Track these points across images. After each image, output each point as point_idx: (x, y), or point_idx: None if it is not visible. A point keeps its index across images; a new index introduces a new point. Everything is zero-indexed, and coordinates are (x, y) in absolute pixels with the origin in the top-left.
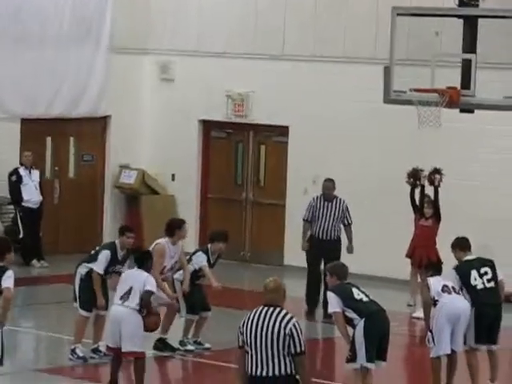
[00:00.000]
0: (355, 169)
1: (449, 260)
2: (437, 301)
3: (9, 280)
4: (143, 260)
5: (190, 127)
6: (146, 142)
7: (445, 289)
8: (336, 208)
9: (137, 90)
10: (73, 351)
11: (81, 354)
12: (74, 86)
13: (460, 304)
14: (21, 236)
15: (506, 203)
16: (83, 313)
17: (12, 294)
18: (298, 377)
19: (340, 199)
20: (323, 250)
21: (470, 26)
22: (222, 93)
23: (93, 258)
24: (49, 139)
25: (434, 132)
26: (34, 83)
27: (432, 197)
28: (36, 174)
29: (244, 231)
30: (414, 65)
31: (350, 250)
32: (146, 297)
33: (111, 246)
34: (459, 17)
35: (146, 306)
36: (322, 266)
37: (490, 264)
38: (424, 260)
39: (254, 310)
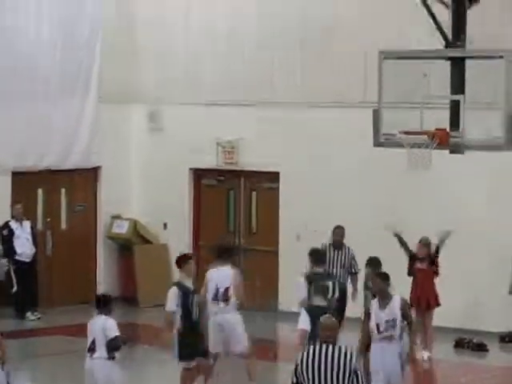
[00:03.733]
0: (347, 214)
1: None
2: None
3: None
4: (103, 304)
5: (181, 175)
6: (137, 191)
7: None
8: (344, 256)
9: (126, 139)
10: None
11: None
12: (64, 137)
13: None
14: (14, 289)
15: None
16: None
17: None
18: None
19: (348, 247)
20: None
21: (458, 67)
22: (211, 140)
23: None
24: (40, 191)
25: (425, 174)
26: (24, 136)
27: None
28: (27, 225)
29: None
30: (402, 107)
31: (354, 297)
32: (113, 345)
33: (176, 283)
34: (447, 58)
35: (119, 348)
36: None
37: None
38: (423, 304)
39: (312, 348)
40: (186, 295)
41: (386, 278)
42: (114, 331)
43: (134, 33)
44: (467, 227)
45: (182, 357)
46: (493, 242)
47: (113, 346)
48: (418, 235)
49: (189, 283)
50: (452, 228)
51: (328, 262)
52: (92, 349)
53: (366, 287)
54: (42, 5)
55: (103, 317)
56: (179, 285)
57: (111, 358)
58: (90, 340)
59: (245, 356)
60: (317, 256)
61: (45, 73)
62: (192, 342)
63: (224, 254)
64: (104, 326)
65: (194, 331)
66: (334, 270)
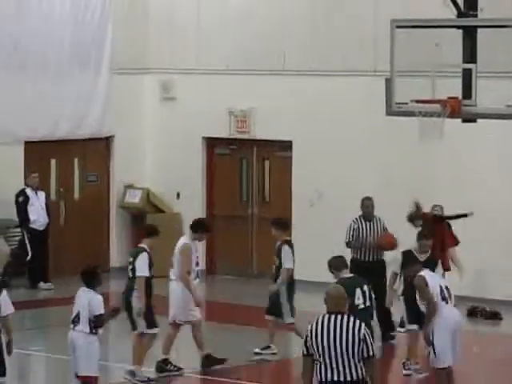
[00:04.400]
0: (359, 183)
1: None
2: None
3: None
4: (90, 278)
5: (194, 145)
6: (150, 161)
7: (443, 294)
8: (377, 227)
9: (139, 109)
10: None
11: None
12: (77, 107)
13: (457, 316)
14: (29, 258)
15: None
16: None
17: None
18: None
19: (379, 218)
20: (368, 273)
21: (470, 36)
22: (224, 110)
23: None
24: (53, 161)
25: (438, 143)
26: (37, 107)
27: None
28: (42, 195)
29: (250, 247)
30: (414, 76)
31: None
32: (96, 323)
33: (144, 250)
34: (458, 27)
35: (101, 327)
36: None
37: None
38: None
39: (320, 318)
40: (151, 263)
41: None
42: (98, 309)
43: (145, 3)
44: (481, 197)
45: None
46: (507, 212)
47: (95, 324)
48: (430, 204)
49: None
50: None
51: (360, 237)
52: (75, 321)
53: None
54: None
55: (92, 292)
56: (148, 252)
57: (93, 333)
58: (75, 312)
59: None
60: (337, 263)
61: (58, 44)
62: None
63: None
64: (90, 301)
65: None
66: (363, 242)
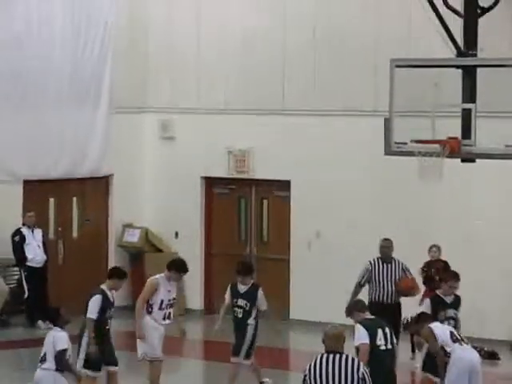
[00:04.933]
0: (358, 223)
1: None
2: (448, 353)
3: None
4: (53, 318)
5: (193, 184)
6: (149, 200)
7: (454, 337)
8: (396, 270)
9: (138, 148)
10: None
11: None
12: (76, 146)
13: (473, 357)
14: (26, 296)
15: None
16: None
17: None
18: None
19: (398, 260)
20: (386, 315)
21: (469, 76)
22: (223, 149)
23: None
24: (51, 200)
25: (437, 183)
26: (36, 145)
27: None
28: (39, 233)
29: None
30: (414, 116)
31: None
32: (58, 358)
33: (101, 291)
34: (458, 67)
35: (65, 367)
36: None
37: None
38: None
39: (319, 358)
40: (107, 305)
41: None
42: (61, 344)
43: (145, 42)
44: (479, 237)
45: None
46: (504, 252)
47: (57, 359)
48: (429, 244)
49: (111, 295)
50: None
51: (378, 279)
52: (43, 360)
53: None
54: (54, 13)
55: (57, 329)
56: (103, 293)
57: (59, 370)
58: (43, 351)
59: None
60: (360, 306)
61: (56, 81)
62: (102, 350)
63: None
64: (54, 338)
65: (106, 340)
66: (387, 286)
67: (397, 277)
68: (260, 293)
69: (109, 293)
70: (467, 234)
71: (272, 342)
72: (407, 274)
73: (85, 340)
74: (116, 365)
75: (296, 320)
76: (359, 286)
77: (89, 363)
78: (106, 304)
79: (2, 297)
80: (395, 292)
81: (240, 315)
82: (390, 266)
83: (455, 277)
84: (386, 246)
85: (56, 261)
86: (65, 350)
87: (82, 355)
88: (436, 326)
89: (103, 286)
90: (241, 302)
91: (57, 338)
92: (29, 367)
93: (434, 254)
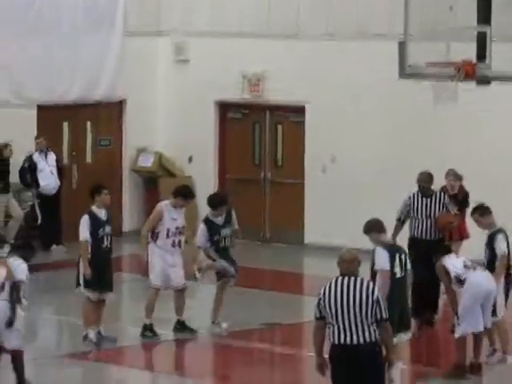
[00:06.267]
0: (372, 147)
1: None
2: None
3: None
4: (19, 249)
5: (207, 108)
6: (163, 124)
7: (466, 265)
8: (436, 204)
9: (152, 72)
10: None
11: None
12: (90, 71)
13: (486, 281)
14: (39, 222)
15: None
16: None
17: None
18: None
19: (440, 193)
20: (426, 252)
21: None
22: (237, 73)
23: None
24: (65, 124)
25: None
26: (50, 70)
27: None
28: (52, 157)
29: (263, 211)
30: (428, 39)
31: None
32: (13, 289)
33: (88, 212)
34: None
35: (15, 299)
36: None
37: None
38: None
39: (334, 281)
40: (96, 224)
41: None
42: (19, 275)
43: None
44: (493, 161)
45: (87, 284)
46: None
47: (12, 290)
48: (445, 170)
49: (101, 213)
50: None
51: (418, 214)
52: (1, 289)
53: None
54: None
55: (16, 263)
56: (90, 214)
57: (13, 300)
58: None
59: None
60: (379, 225)
61: (71, 6)
62: (99, 272)
63: None
64: (15, 271)
65: (103, 262)
66: (427, 221)
67: (437, 212)
68: (233, 213)
69: (98, 212)
70: (480, 159)
71: (286, 266)
72: (449, 209)
73: (81, 263)
74: (110, 290)
75: (311, 244)
76: (399, 222)
77: (88, 284)
78: (96, 223)
79: (17, 221)
80: (436, 227)
81: (228, 243)
82: (429, 200)
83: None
84: (424, 180)
85: (70, 185)
86: (22, 282)
87: (81, 278)
88: (449, 258)
89: (93, 207)
90: (224, 232)
91: (19, 269)
92: (43, 291)
93: (451, 180)
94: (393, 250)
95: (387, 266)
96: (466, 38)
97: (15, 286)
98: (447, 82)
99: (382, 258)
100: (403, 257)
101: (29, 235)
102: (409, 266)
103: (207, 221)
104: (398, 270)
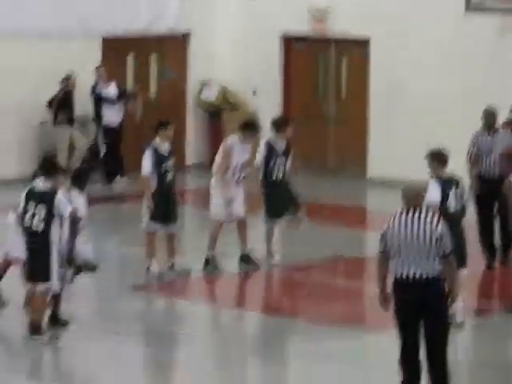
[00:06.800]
0: (438, 80)
1: None
2: None
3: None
4: (76, 180)
5: (271, 42)
6: (227, 57)
7: None
8: (501, 141)
9: (217, 5)
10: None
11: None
12: (154, 2)
13: None
14: (102, 154)
15: None
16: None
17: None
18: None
19: (505, 131)
20: (492, 191)
21: None
22: (303, 6)
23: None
24: (129, 57)
25: None
26: (114, 1)
27: None
28: (115, 89)
29: (326, 146)
30: None
31: None
32: (72, 221)
33: (151, 146)
34: None
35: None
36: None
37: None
38: None
39: (398, 214)
40: (159, 159)
41: None
42: (78, 207)
43: None
44: None
45: (152, 217)
46: None
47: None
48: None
49: (164, 147)
50: None
51: (482, 151)
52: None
53: None
54: None
55: (76, 191)
56: (153, 148)
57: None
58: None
59: None
60: (443, 158)
61: None
62: (162, 206)
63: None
64: (72, 200)
65: (167, 195)
66: (491, 158)
67: (497, 147)
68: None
69: (161, 146)
70: None
71: (350, 201)
72: None
73: (144, 198)
74: (175, 223)
75: (374, 178)
76: (470, 161)
77: (153, 217)
78: (159, 158)
79: (81, 153)
80: (500, 165)
81: (281, 174)
82: (493, 136)
83: None
84: (489, 115)
85: (133, 118)
86: None
87: (145, 211)
88: None
89: (156, 140)
90: (279, 160)
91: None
92: (106, 223)
93: None
94: (447, 183)
95: (436, 199)
96: None
97: (73, 219)
98: None
99: (433, 191)
100: (459, 191)
101: (90, 167)
102: (464, 199)
103: (268, 144)
104: (451, 204)
